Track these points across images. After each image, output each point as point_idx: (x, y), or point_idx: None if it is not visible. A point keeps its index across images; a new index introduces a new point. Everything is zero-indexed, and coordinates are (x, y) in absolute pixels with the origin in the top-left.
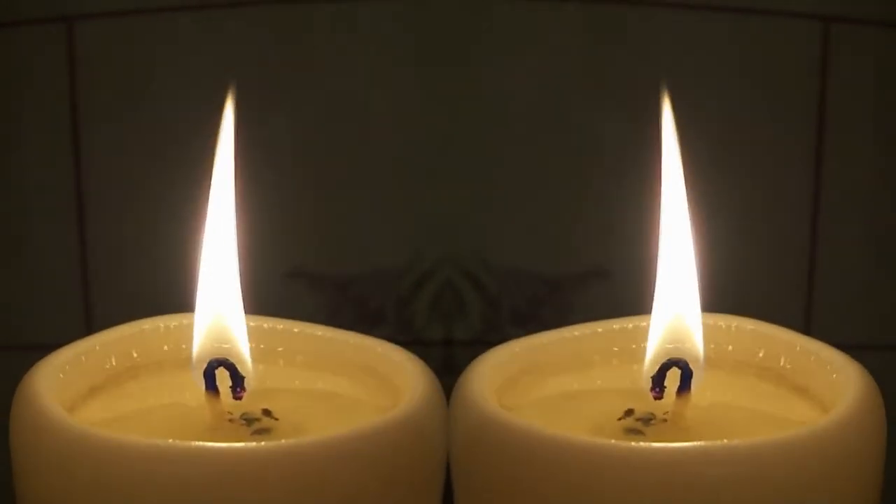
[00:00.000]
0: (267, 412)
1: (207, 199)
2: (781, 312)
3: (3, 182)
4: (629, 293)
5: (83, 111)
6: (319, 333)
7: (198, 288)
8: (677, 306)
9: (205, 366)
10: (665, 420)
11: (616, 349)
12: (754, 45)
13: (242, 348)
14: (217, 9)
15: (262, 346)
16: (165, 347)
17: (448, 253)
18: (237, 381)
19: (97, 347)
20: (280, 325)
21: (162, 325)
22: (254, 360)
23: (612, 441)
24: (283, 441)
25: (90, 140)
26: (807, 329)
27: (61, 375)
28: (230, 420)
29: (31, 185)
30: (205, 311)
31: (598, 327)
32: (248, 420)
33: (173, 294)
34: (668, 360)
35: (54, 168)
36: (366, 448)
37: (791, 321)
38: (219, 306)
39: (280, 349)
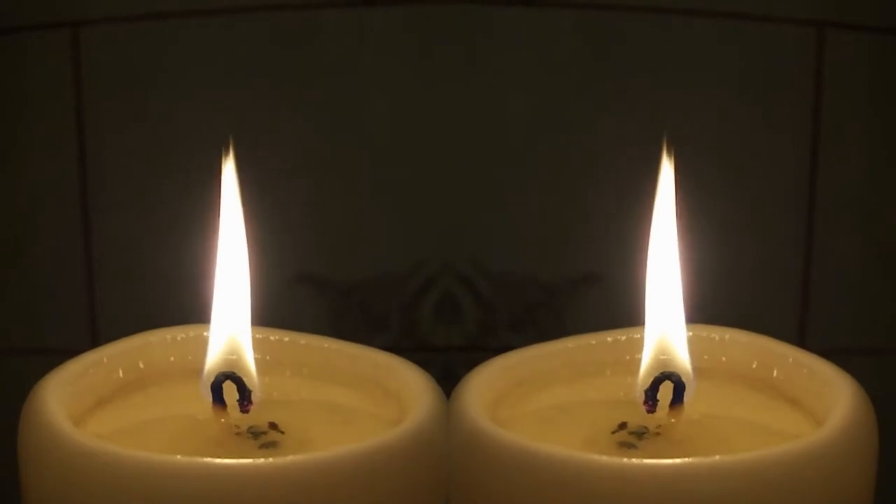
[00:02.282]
0: (273, 425)
1: (214, 207)
2: (777, 317)
3: (9, 188)
4: (625, 298)
5: (89, 117)
6: (326, 345)
7: (213, 300)
8: (664, 321)
9: (212, 379)
10: (658, 433)
11: (609, 361)
12: (749, 50)
13: (249, 361)
14: (222, 14)
15: (268, 358)
16: (172, 359)
17: (445, 258)
18: (244, 394)
19: (104, 359)
20: (287, 336)
21: (169, 336)
22: (260, 371)
23: (604, 457)
24: (289, 457)
25: (96, 146)
26: (801, 334)
27: (69, 388)
28: (237, 433)
29: (36, 191)
30: (218, 324)
31: (592, 339)
32: (255, 433)
33: (177, 297)
34: (661, 373)
35: (60, 174)
36: (372, 464)
37: (786, 326)
38: (228, 318)
39: (286, 361)
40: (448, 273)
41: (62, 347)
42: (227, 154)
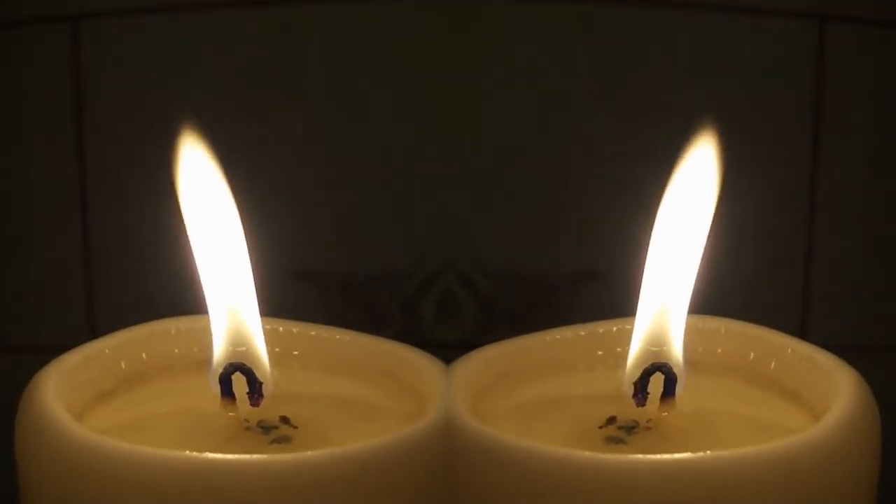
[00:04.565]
0: (285, 419)
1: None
2: (777, 314)
3: (7, 183)
4: (624, 295)
5: (88, 111)
6: (337, 337)
7: (207, 290)
8: (660, 307)
9: (221, 370)
10: (649, 428)
11: (600, 353)
12: (750, 43)
13: (260, 352)
14: (222, 8)
15: (276, 350)
16: (176, 350)
17: (445, 256)
18: (254, 386)
19: (106, 351)
20: (295, 328)
21: (173, 327)
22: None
23: (585, 452)
24: (308, 453)
25: (95, 140)
26: (803, 330)
27: (69, 380)
28: (246, 428)
29: (35, 186)
30: (221, 314)
31: (581, 330)
32: (266, 428)
33: (177, 296)
34: (652, 364)
35: (59, 169)
36: (395, 458)
37: (787, 322)
38: (235, 308)
39: (296, 353)
40: (448, 271)
41: (60, 345)
42: (191, 142)
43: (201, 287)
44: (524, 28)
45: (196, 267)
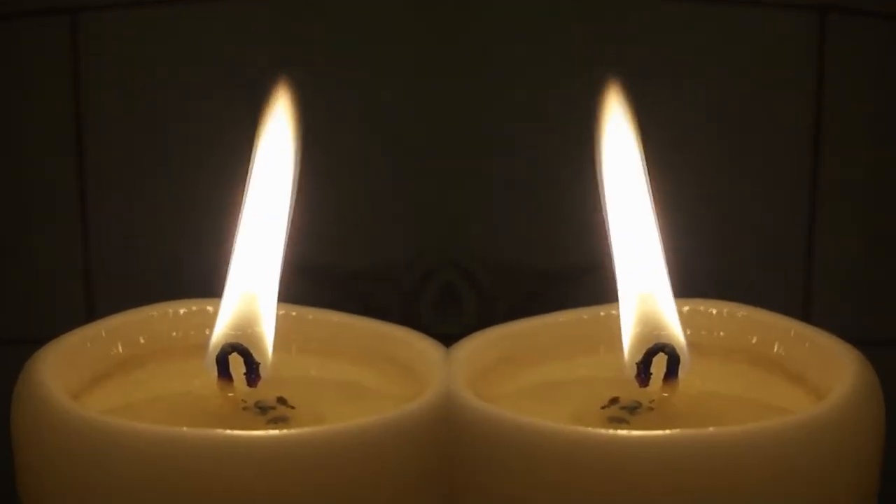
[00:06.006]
0: (282, 400)
1: (217, 197)
2: (779, 307)
3: (6, 177)
4: None
5: (87, 105)
6: (336, 319)
7: (229, 272)
8: (649, 292)
9: (218, 351)
10: (651, 409)
11: (603, 336)
12: (750, 35)
13: (267, 335)
14: (223, 1)
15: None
16: (174, 334)
17: (444, 248)
18: (251, 367)
19: (103, 333)
20: (294, 311)
21: (171, 310)
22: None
23: (586, 428)
24: (307, 429)
25: (94, 134)
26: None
27: (65, 362)
28: (244, 408)
29: (34, 182)
30: (231, 296)
31: (584, 314)
32: (263, 408)
33: (176, 294)
34: (655, 345)
35: (57, 162)
36: (391, 437)
37: (789, 315)
38: (249, 292)
39: (293, 335)
40: (448, 263)
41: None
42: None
43: (201, 286)
44: (524, 26)
45: (197, 260)
